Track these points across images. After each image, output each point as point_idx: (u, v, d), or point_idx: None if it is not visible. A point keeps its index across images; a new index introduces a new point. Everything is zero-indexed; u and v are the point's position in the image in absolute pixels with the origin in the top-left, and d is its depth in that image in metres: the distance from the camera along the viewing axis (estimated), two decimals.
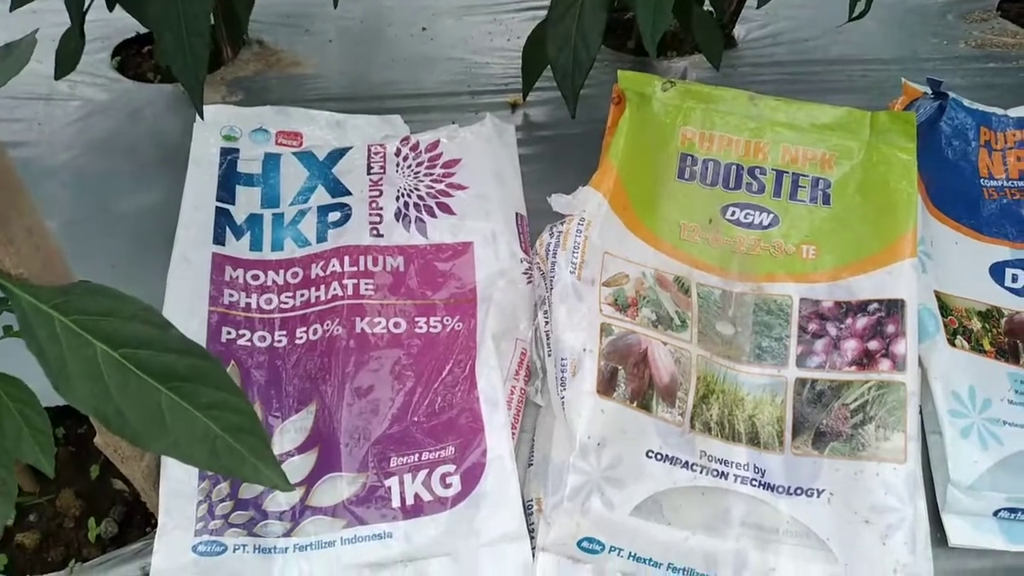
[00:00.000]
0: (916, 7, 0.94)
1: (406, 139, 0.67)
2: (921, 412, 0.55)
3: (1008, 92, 0.80)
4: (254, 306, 0.59)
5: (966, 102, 0.68)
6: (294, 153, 0.66)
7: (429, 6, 0.94)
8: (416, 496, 0.52)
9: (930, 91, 0.67)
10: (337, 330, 0.57)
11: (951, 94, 0.67)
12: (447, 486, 0.52)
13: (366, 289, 0.59)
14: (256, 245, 0.62)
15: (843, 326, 0.56)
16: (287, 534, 0.51)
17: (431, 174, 0.65)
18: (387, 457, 0.53)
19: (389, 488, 0.52)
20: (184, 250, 0.60)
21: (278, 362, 0.57)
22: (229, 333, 0.57)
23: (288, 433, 0.54)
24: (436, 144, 0.66)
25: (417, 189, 0.64)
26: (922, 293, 0.58)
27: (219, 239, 0.61)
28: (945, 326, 0.57)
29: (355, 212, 0.63)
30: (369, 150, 0.66)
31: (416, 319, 0.58)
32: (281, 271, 0.61)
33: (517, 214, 0.65)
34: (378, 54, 0.87)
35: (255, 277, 0.60)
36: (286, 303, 0.59)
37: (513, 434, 0.55)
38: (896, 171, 0.60)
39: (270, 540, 0.50)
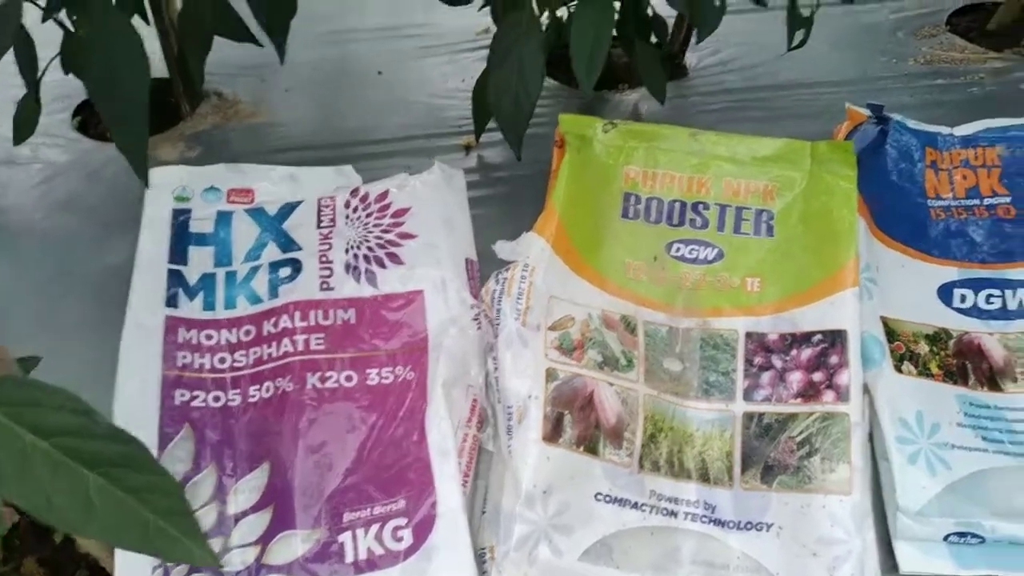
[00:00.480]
0: (866, 26, 0.95)
1: (355, 190, 0.68)
2: (872, 440, 0.56)
3: (956, 108, 0.80)
4: (207, 366, 0.59)
5: (911, 123, 0.69)
6: (246, 210, 0.67)
7: (385, 50, 0.95)
8: (369, 551, 0.52)
9: (872, 115, 0.68)
10: (289, 386, 0.57)
11: (895, 116, 0.68)
12: (399, 539, 0.52)
13: (317, 344, 0.59)
14: (209, 305, 0.62)
15: (788, 358, 0.56)
16: None
17: (380, 224, 0.65)
18: (340, 512, 0.53)
19: (342, 544, 0.52)
20: (137, 315, 0.61)
21: (231, 421, 0.57)
22: (183, 395, 0.58)
23: (243, 493, 0.54)
24: (385, 194, 0.67)
25: (367, 240, 0.64)
26: (867, 320, 0.58)
27: (172, 302, 0.62)
28: (891, 352, 0.58)
29: (305, 266, 0.63)
30: (319, 203, 0.67)
31: (367, 371, 0.58)
32: (234, 329, 0.61)
33: (467, 260, 0.65)
34: (335, 101, 0.88)
35: (208, 337, 0.61)
36: (239, 362, 0.60)
37: (466, 483, 0.55)
38: (837, 200, 0.60)
39: None
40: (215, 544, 0.53)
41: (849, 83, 0.85)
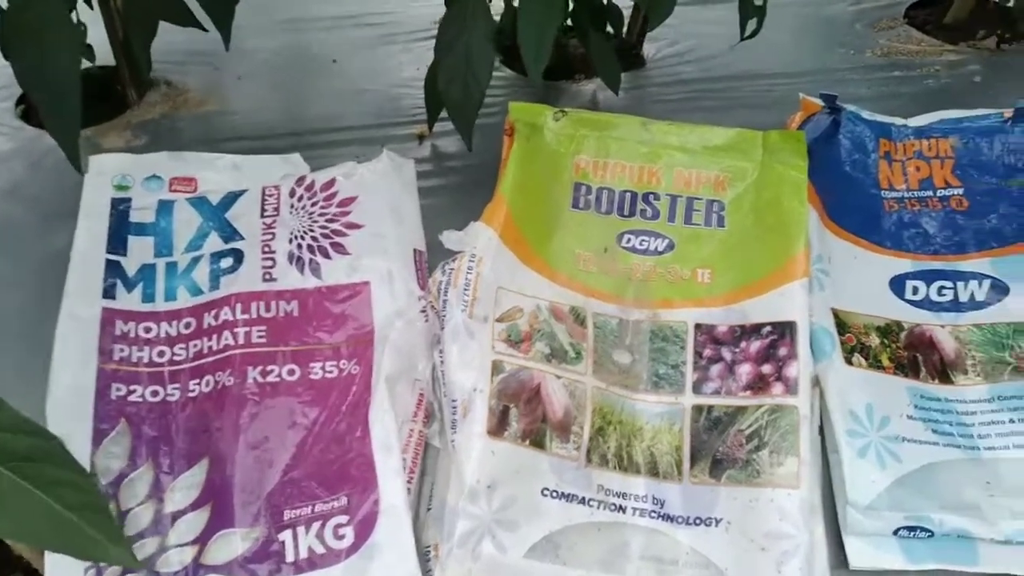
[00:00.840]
0: (826, 18, 0.94)
1: (301, 179, 0.66)
2: (822, 433, 0.55)
3: (912, 100, 0.80)
4: (145, 360, 0.57)
5: (865, 114, 0.68)
6: (188, 199, 0.65)
7: (342, 39, 0.93)
8: (310, 549, 0.51)
9: (825, 106, 0.67)
10: (229, 381, 0.56)
11: (848, 107, 0.68)
12: (340, 537, 0.51)
13: (258, 337, 0.58)
14: (148, 297, 0.60)
15: (737, 350, 0.56)
16: None
17: (326, 214, 0.63)
18: (280, 510, 0.52)
19: (283, 543, 0.51)
20: (72, 306, 0.59)
21: (169, 417, 0.55)
22: (119, 390, 0.56)
23: (180, 491, 0.53)
24: (332, 183, 0.65)
25: (311, 230, 0.63)
26: (818, 311, 0.58)
27: (109, 293, 0.60)
28: (842, 344, 0.57)
29: (247, 257, 0.61)
30: (263, 192, 0.65)
31: (311, 365, 0.57)
32: (174, 322, 0.59)
33: (415, 250, 0.64)
34: (288, 90, 0.86)
35: (147, 330, 0.59)
36: (178, 355, 0.58)
37: (410, 479, 0.54)
38: (788, 190, 0.60)
39: None
40: (151, 544, 0.51)
41: (807, 74, 0.85)
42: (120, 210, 0.64)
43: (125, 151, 0.77)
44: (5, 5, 0.60)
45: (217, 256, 0.62)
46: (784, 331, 0.55)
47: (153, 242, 0.63)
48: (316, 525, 0.51)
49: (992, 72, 0.85)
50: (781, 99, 0.80)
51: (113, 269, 0.61)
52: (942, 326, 0.59)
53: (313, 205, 0.64)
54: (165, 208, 0.64)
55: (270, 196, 0.65)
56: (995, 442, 0.54)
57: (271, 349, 0.57)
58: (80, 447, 0.53)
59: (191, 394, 0.56)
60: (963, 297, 0.61)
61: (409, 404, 0.56)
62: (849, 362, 0.57)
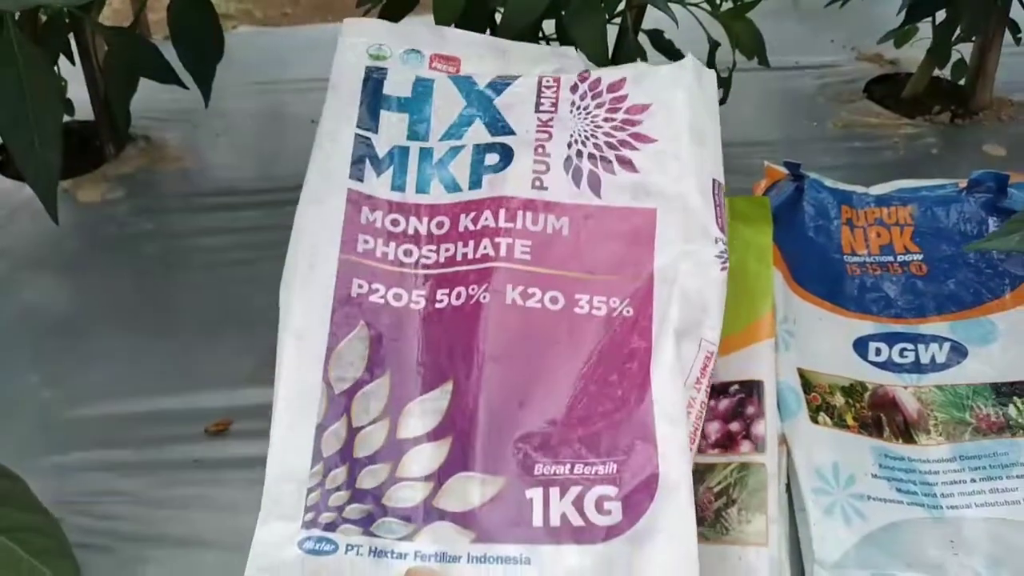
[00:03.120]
0: (790, 90, 0.98)
1: (584, 74, 0.56)
2: (789, 491, 0.56)
3: (872, 170, 0.83)
4: (391, 257, 0.50)
5: (828, 182, 0.71)
6: (451, 78, 0.56)
7: (318, 100, 0.95)
8: (563, 517, 0.43)
9: (789, 173, 0.70)
10: (484, 297, 0.48)
11: (811, 175, 0.70)
12: (604, 512, 0.43)
13: (522, 252, 0.50)
14: (398, 184, 0.53)
15: (707, 409, 0.56)
16: (408, 537, 0.43)
17: (612, 120, 0.54)
18: (532, 462, 0.44)
19: (531, 501, 0.43)
20: (315, 188, 0.52)
21: (413, 328, 0.49)
22: (361, 287, 0.49)
23: (418, 416, 0.46)
24: (620, 84, 0.55)
25: (594, 136, 0.53)
26: (785, 371, 0.59)
27: (357, 174, 0.52)
28: (808, 403, 0.58)
29: (517, 156, 0.52)
30: (540, 82, 0.56)
31: (577, 296, 0.49)
32: (425, 219, 0.52)
33: (715, 181, 0.53)
34: (266, 147, 0.88)
35: (395, 223, 0.51)
36: (428, 258, 0.51)
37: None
38: (754, 254, 0.62)
39: (388, 542, 0.43)
40: (382, 471, 0.45)
41: (772, 143, 0.88)
42: (375, 79, 0.56)
43: (101, 204, 0.78)
44: None
45: (481, 150, 0.53)
46: (752, 390, 0.56)
47: (408, 121, 0.55)
48: (575, 490, 0.44)
49: (947, 144, 0.89)
50: (747, 166, 0.83)
51: (362, 145, 0.53)
52: (905, 387, 0.61)
53: (598, 107, 0.54)
54: (424, 86, 0.56)
55: (548, 88, 0.55)
56: (958, 501, 0.55)
57: (534, 269, 0.49)
58: (314, 347, 0.48)
59: (439, 304, 0.49)
60: (924, 359, 0.62)
61: (694, 369, 0.48)
62: (815, 421, 0.58)
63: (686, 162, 0.52)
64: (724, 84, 0.72)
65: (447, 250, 0.51)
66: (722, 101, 0.73)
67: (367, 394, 0.47)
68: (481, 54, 0.57)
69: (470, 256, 0.50)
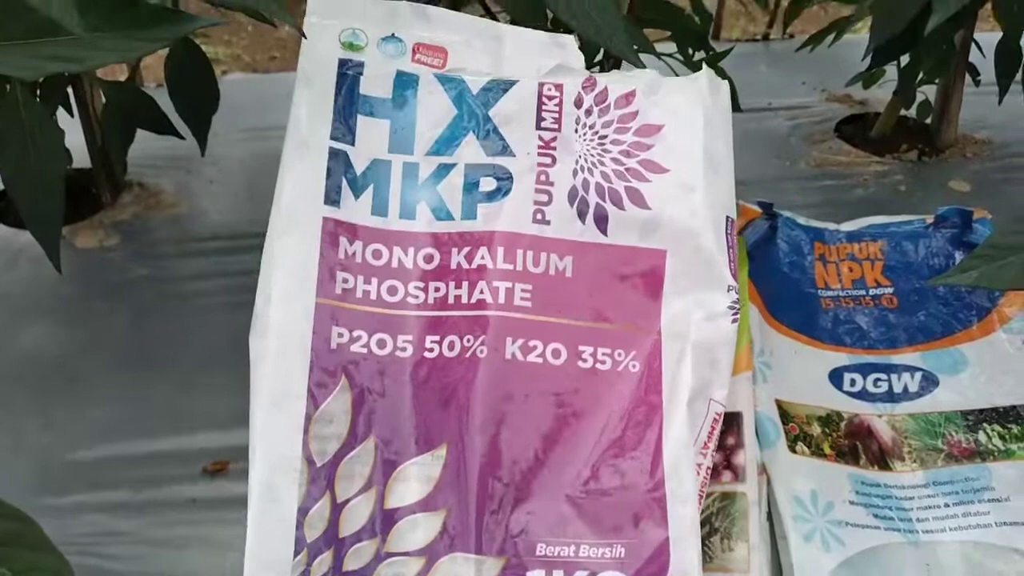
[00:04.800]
0: (763, 131, 1.02)
1: (590, 83, 0.49)
2: (770, 518, 0.58)
3: (843, 207, 0.86)
4: (373, 296, 0.44)
5: (800, 219, 0.74)
6: (437, 76, 0.48)
7: None
8: None
9: (763, 212, 0.73)
10: (481, 351, 0.44)
11: (784, 213, 0.73)
12: None
13: (522, 298, 0.45)
14: (379, 208, 0.46)
15: None
16: None
17: (620, 143, 0.48)
18: (534, 541, 0.41)
19: None
20: (286, 215, 0.45)
21: (400, 378, 0.44)
22: (341, 335, 0.44)
23: (407, 482, 0.42)
24: (630, 97, 0.48)
25: (602, 163, 0.47)
26: (763, 402, 0.61)
27: (332, 197, 0.45)
28: (786, 433, 0.61)
29: (517, 184, 0.46)
30: (541, 91, 0.48)
31: (580, 348, 0.45)
32: (411, 250, 0.45)
33: (728, 218, 0.48)
34: (258, 192, 0.90)
35: (376, 254, 0.45)
36: (415, 297, 0.45)
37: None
38: None
39: None
40: (367, 549, 0.41)
41: (746, 183, 0.89)
42: (350, 77, 0.47)
43: (98, 250, 0.80)
44: None
45: (475, 172, 0.47)
46: (731, 421, 0.58)
47: (389, 129, 0.47)
48: (580, 575, 0.41)
49: (915, 181, 0.93)
50: None
51: (338, 162, 0.46)
52: (879, 416, 0.63)
53: (605, 127, 0.48)
54: (406, 83, 0.48)
55: (550, 99, 0.48)
56: (932, 525, 0.57)
57: (535, 318, 0.44)
58: (292, 415, 0.43)
59: (428, 354, 0.44)
60: (897, 388, 0.65)
61: (702, 431, 0.45)
62: (793, 450, 0.60)
63: (700, 195, 0.47)
64: None
65: (437, 290, 0.46)
66: None
67: (351, 461, 0.43)
68: (470, 41, 0.50)
69: (464, 300, 0.45)
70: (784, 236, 0.72)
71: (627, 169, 0.47)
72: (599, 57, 0.73)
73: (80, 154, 0.85)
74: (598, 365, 0.45)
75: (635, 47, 0.52)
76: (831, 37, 0.99)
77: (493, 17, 0.70)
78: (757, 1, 0.72)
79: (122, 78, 0.89)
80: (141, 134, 0.81)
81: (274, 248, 0.45)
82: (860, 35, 1.03)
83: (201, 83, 0.72)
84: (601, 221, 0.47)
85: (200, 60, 0.73)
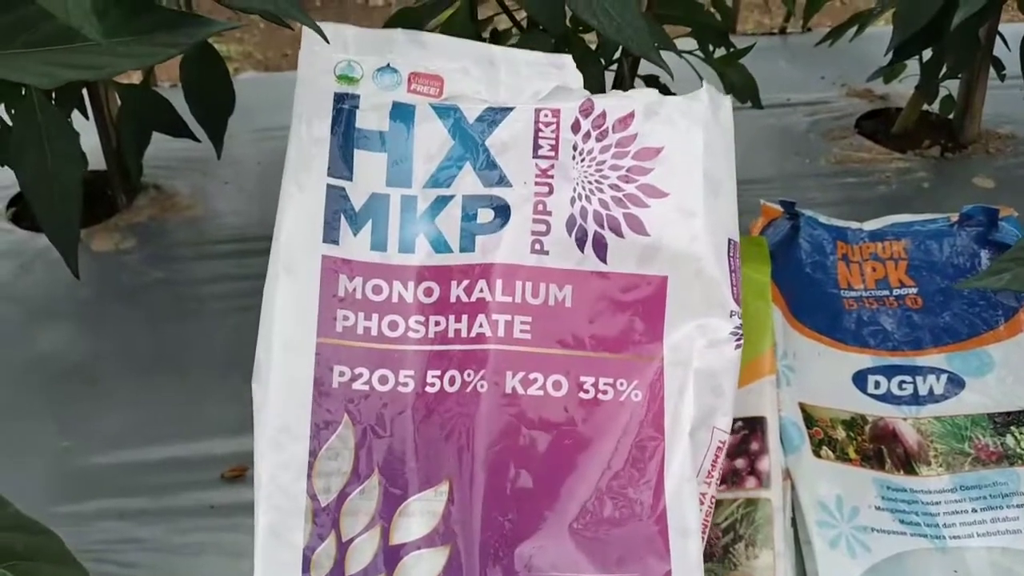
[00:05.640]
0: (782, 128, 1.01)
1: (587, 107, 0.48)
2: (795, 524, 0.57)
3: (866, 205, 0.85)
4: (373, 332, 0.44)
5: (822, 218, 0.73)
6: (433, 106, 0.48)
7: None
8: None
9: (784, 212, 0.72)
10: (481, 386, 0.44)
11: (806, 212, 0.72)
12: None
13: (521, 330, 0.45)
14: (378, 243, 0.46)
15: None
16: None
17: (619, 168, 0.47)
18: (538, 575, 0.42)
19: None
20: (286, 255, 0.45)
21: (402, 414, 0.44)
22: (342, 374, 0.44)
23: (414, 517, 0.42)
24: (629, 119, 0.47)
25: (600, 190, 0.47)
26: (787, 406, 0.60)
27: (331, 235, 0.45)
28: (810, 437, 0.60)
29: (515, 215, 0.46)
30: (537, 117, 0.48)
31: (582, 379, 0.44)
32: (411, 283, 0.45)
33: (730, 241, 0.48)
34: (273, 193, 0.88)
35: (376, 289, 0.45)
36: (416, 331, 0.45)
37: None
38: (753, 292, 0.63)
39: None
40: None
41: (766, 181, 0.90)
42: (346, 112, 0.47)
43: (114, 253, 0.80)
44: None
45: (472, 203, 0.47)
46: (755, 426, 0.58)
47: (386, 162, 0.47)
48: None
49: (938, 178, 0.91)
50: (743, 204, 0.83)
51: (336, 199, 0.46)
52: (904, 419, 0.62)
53: (603, 152, 0.47)
54: (402, 114, 0.47)
55: (546, 127, 0.47)
56: (960, 531, 0.56)
57: (535, 351, 0.44)
58: (295, 456, 0.43)
59: (430, 388, 0.44)
60: (922, 391, 0.64)
61: (705, 461, 0.45)
62: (817, 455, 0.59)
63: (700, 219, 0.46)
64: None
65: (437, 324, 0.45)
66: None
67: (356, 498, 0.43)
68: (466, 68, 0.49)
69: (464, 334, 0.45)
70: (806, 236, 0.71)
71: (626, 195, 0.47)
72: (617, 55, 0.72)
73: (95, 156, 0.85)
74: (600, 396, 0.45)
75: (655, 44, 0.51)
76: (852, 31, 0.97)
77: (512, 16, 0.69)
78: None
79: (137, 80, 0.89)
80: (156, 136, 0.81)
81: (274, 291, 0.45)
82: (879, 28, 1.01)
83: (216, 85, 0.71)
84: (600, 249, 0.46)
85: (215, 62, 0.73)
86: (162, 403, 0.66)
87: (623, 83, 0.70)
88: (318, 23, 0.45)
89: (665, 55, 0.53)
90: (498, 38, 0.73)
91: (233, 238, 0.82)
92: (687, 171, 0.47)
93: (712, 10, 0.80)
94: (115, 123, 0.80)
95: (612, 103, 0.48)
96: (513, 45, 0.67)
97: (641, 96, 0.49)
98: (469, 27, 0.66)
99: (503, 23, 0.76)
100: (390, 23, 0.69)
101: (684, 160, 0.47)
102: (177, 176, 0.91)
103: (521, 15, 0.71)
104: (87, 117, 0.81)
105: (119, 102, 0.77)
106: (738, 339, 0.47)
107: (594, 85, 0.59)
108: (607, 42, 0.60)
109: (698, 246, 0.46)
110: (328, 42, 0.46)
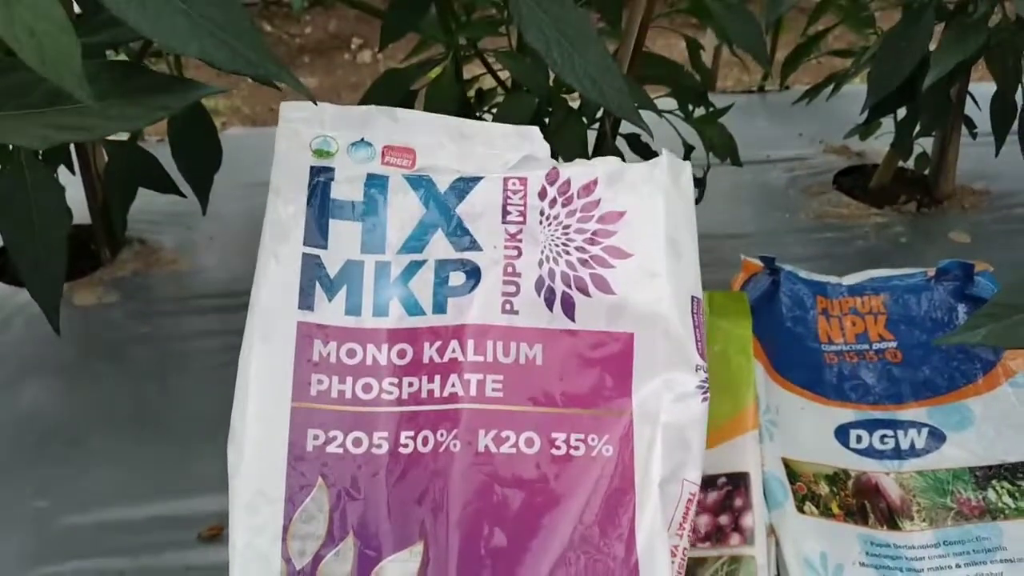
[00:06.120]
0: (761, 184, 1.03)
1: (553, 175, 0.51)
2: None
3: (845, 260, 0.87)
4: (348, 395, 0.46)
5: (802, 273, 0.74)
6: (406, 177, 0.50)
7: None
8: None
9: (765, 267, 0.73)
10: (454, 445, 0.44)
11: (786, 267, 0.73)
12: None
13: (493, 389, 0.46)
14: (353, 308, 0.47)
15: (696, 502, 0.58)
16: None
17: (584, 231, 0.49)
18: None
19: None
20: (262, 322, 0.46)
21: (376, 476, 0.44)
22: (316, 438, 0.45)
23: None
24: (592, 185, 0.50)
25: (567, 252, 0.49)
26: (770, 461, 0.60)
27: (306, 302, 0.47)
28: (794, 493, 0.60)
29: (485, 277, 0.48)
30: (506, 185, 0.50)
31: (553, 435, 0.45)
32: (384, 347, 0.47)
33: (693, 298, 0.50)
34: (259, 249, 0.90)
35: (351, 353, 0.47)
36: (390, 393, 0.46)
37: None
38: (734, 347, 0.64)
39: None
40: None
41: (746, 236, 0.91)
42: (321, 184, 0.49)
43: (97, 308, 0.80)
44: None
45: (444, 267, 0.48)
46: (738, 482, 0.58)
47: (360, 230, 0.49)
48: None
49: (914, 233, 0.93)
50: (723, 259, 0.86)
51: (311, 267, 0.47)
52: (887, 473, 0.62)
53: (569, 216, 0.50)
54: (376, 185, 0.50)
55: (514, 194, 0.50)
56: None
57: (507, 408, 0.45)
58: (270, 519, 0.44)
59: (403, 449, 0.45)
60: (904, 445, 0.64)
61: (676, 514, 0.45)
62: (801, 511, 0.59)
63: (664, 279, 0.48)
64: (699, 184, 0.75)
65: (411, 385, 0.47)
66: (697, 200, 0.76)
67: (331, 561, 0.44)
68: (439, 141, 0.52)
69: (436, 394, 0.46)
70: (787, 291, 0.72)
71: (591, 256, 0.49)
72: (600, 114, 0.73)
73: (80, 210, 0.85)
74: (572, 452, 0.46)
75: (636, 105, 0.52)
76: (828, 90, 1.00)
77: (497, 77, 0.71)
78: (759, 60, 0.72)
79: (124, 136, 0.90)
80: (142, 189, 0.81)
81: (250, 358, 0.46)
82: (856, 86, 1.04)
83: (204, 141, 0.72)
84: (568, 308, 0.48)
85: (203, 118, 0.73)
86: (143, 461, 0.65)
87: (605, 141, 0.72)
88: (296, 103, 0.48)
89: (646, 114, 0.55)
90: (483, 98, 0.75)
91: (218, 293, 0.82)
92: (650, 234, 0.49)
93: (692, 70, 0.82)
94: (101, 178, 0.81)
95: (576, 171, 0.51)
96: (497, 105, 0.68)
97: (604, 164, 0.51)
98: (455, 87, 0.68)
99: (488, 83, 0.77)
100: (377, 83, 0.70)
101: (646, 223, 0.49)
102: (162, 230, 0.91)
103: (506, 75, 0.73)
104: (73, 172, 0.81)
105: (106, 157, 0.78)
106: (704, 393, 0.48)
107: (576, 144, 0.60)
108: (589, 102, 0.61)
109: (662, 305, 0.48)
110: (315, 103, 0.48)
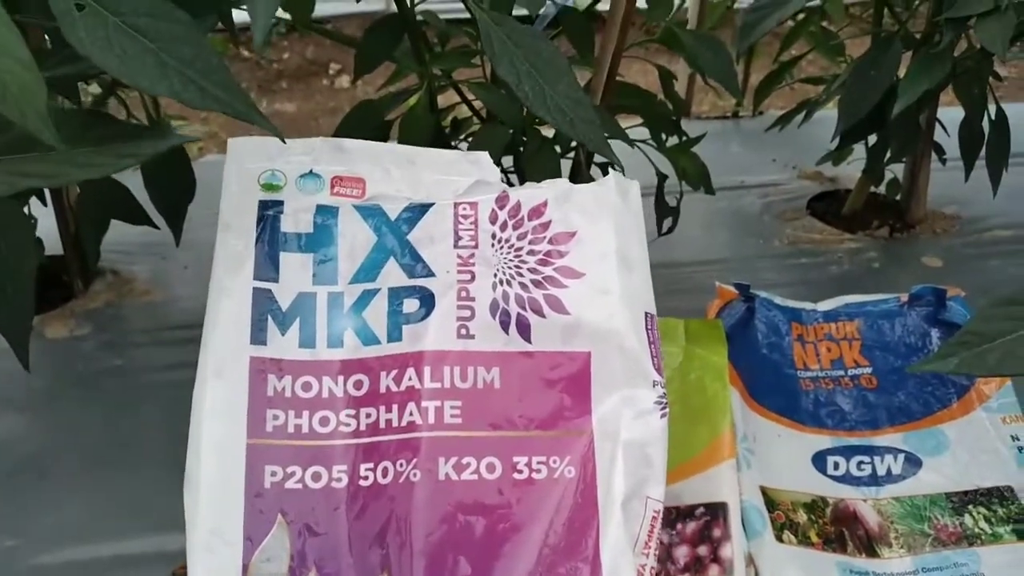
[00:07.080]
0: (735, 210, 1.04)
1: (503, 199, 0.51)
2: None
3: (819, 285, 0.88)
4: (305, 429, 0.45)
5: (777, 299, 0.74)
6: (356, 207, 0.50)
7: None
8: None
9: (740, 294, 0.73)
10: (414, 475, 0.44)
11: (761, 294, 0.73)
12: None
13: (452, 415, 0.45)
14: (307, 340, 0.47)
15: (674, 533, 0.57)
16: None
17: (536, 252, 0.50)
18: None
19: None
20: (214, 359, 0.46)
21: (336, 510, 0.44)
22: (274, 474, 0.44)
23: None
24: (542, 208, 0.50)
25: (519, 275, 0.49)
26: (748, 490, 0.60)
27: (259, 337, 0.46)
28: (772, 521, 0.59)
29: (439, 303, 0.48)
30: (456, 211, 0.50)
31: (515, 459, 0.45)
32: (340, 378, 0.46)
33: (647, 314, 0.50)
34: None
35: (306, 387, 0.46)
36: (347, 425, 0.45)
37: None
38: (711, 374, 0.64)
39: None
40: None
41: (721, 262, 0.92)
42: (270, 216, 0.49)
43: (68, 340, 0.79)
44: None
45: (398, 295, 0.48)
46: (717, 512, 0.58)
47: (312, 262, 0.48)
48: None
49: (887, 258, 0.94)
50: (698, 286, 0.87)
51: (263, 300, 0.47)
52: (864, 500, 0.62)
53: (520, 239, 0.50)
54: (326, 216, 0.49)
55: (465, 218, 0.50)
56: None
57: (467, 434, 0.45)
58: (229, 560, 0.43)
59: (363, 482, 0.44)
60: (881, 471, 0.64)
61: (641, 533, 0.45)
62: (780, 539, 0.59)
63: (616, 296, 0.49)
64: (673, 213, 0.76)
65: (368, 416, 0.46)
66: (671, 228, 0.77)
67: None
68: (387, 168, 0.51)
69: (395, 424, 0.45)
70: (762, 317, 0.72)
71: (544, 277, 0.49)
72: (574, 143, 0.74)
73: (52, 240, 0.84)
74: (534, 475, 0.45)
75: (606, 135, 0.52)
76: (800, 117, 1.01)
77: (471, 107, 0.71)
78: (730, 90, 0.73)
79: None
80: (115, 222, 0.81)
81: (203, 396, 0.46)
82: (828, 111, 1.05)
83: (177, 174, 0.72)
84: (524, 330, 0.48)
85: (176, 151, 0.73)
86: (114, 496, 0.64)
87: (580, 170, 0.72)
88: (243, 139, 0.48)
89: (619, 144, 0.55)
90: (459, 127, 0.75)
91: (192, 324, 0.80)
92: (600, 252, 0.50)
93: (665, 99, 0.82)
94: (74, 209, 0.80)
95: (525, 194, 0.51)
96: (472, 135, 0.68)
97: (552, 186, 0.52)
98: (429, 117, 0.68)
99: (464, 112, 0.78)
100: (352, 114, 0.70)
101: (597, 242, 0.50)
102: (135, 261, 0.90)
103: (480, 105, 0.73)
104: (45, 204, 0.80)
105: (78, 189, 0.77)
106: (663, 408, 0.48)
107: (551, 174, 0.61)
108: (563, 135, 0.62)
109: (616, 322, 0.48)
110: (284, 141, 0.47)
